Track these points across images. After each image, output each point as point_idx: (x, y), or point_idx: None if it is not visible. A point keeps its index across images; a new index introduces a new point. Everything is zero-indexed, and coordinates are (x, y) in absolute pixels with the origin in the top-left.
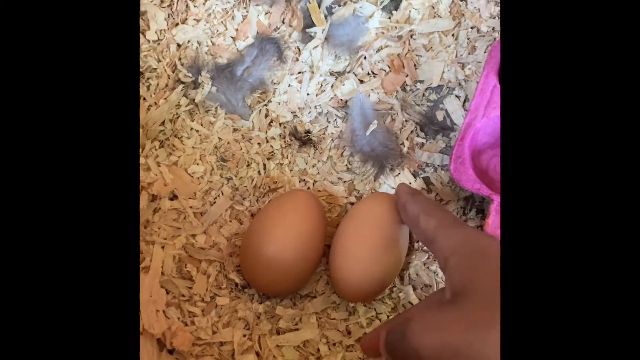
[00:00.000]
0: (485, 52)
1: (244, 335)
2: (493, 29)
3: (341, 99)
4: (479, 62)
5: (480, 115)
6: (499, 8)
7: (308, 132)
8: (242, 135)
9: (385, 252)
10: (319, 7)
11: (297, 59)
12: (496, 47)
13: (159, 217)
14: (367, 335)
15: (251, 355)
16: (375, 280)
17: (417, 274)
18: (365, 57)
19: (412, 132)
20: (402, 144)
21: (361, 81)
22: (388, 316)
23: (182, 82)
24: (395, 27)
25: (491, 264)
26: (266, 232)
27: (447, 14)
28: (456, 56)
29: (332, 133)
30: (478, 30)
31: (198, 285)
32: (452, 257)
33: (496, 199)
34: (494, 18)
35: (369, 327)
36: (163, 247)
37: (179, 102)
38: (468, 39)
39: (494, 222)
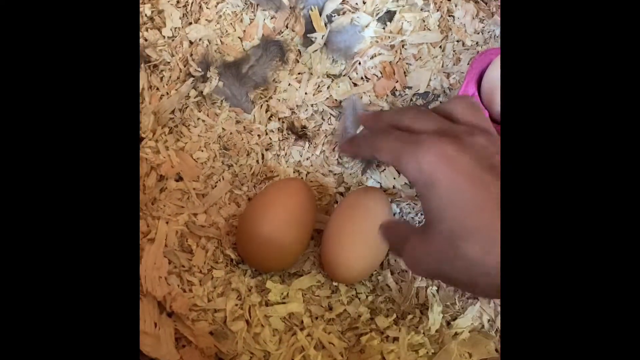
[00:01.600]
0: (468, 64)
1: (236, 305)
2: (477, 43)
3: (336, 100)
4: (462, 72)
5: None
6: (482, 24)
7: (304, 127)
8: (244, 127)
9: (372, 241)
10: (320, 15)
11: (298, 61)
12: (477, 59)
13: (165, 195)
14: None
15: (241, 322)
16: (362, 265)
17: (395, 260)
18: (359, 63)
19: None
20: None
21: (355, 84)
22: (367, 296)
23: (192, 76)
24: (389, 37)
25: None
26: (261, 213)
27: (436, 27)
28: (442, 66)
29: (325, 130)
30: (463, 44)
31: (197, 258)
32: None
33: None
34: (478, 33)
35: (349, 304)
36: (167, 222)
37: (188, 94)
38: (454, 51)
39: None
